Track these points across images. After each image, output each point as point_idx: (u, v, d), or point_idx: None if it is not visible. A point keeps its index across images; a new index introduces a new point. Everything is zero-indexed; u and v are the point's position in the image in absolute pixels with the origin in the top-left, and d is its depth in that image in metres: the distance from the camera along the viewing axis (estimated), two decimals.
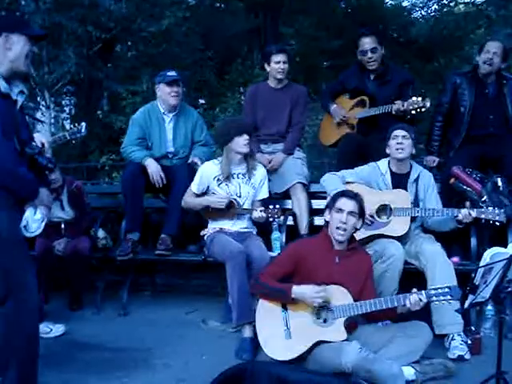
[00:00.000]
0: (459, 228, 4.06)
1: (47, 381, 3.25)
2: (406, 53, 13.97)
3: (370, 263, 3.72)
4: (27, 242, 2.98)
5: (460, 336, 3.76)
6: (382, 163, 4.33)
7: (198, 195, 4.47)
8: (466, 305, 2.99)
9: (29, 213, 2.88)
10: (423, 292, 3.34)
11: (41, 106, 9.12)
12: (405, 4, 17.01)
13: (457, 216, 3.96)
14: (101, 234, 5.09)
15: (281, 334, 3.46)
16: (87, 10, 8.19)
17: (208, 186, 4.44)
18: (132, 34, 9.60)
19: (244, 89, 11.18)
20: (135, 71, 10.25)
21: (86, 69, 8.98)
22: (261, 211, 4.27)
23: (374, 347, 3.35)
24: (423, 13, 16.30)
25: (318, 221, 4.84)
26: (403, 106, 4.62)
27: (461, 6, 14.95)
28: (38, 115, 8.68)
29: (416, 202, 4.19)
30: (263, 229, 4.55)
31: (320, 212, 4.82)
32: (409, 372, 3.34)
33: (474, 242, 4.36)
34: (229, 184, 4.40)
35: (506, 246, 3.89)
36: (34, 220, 2.89)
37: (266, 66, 5.05)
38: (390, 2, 16.98)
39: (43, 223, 2.94)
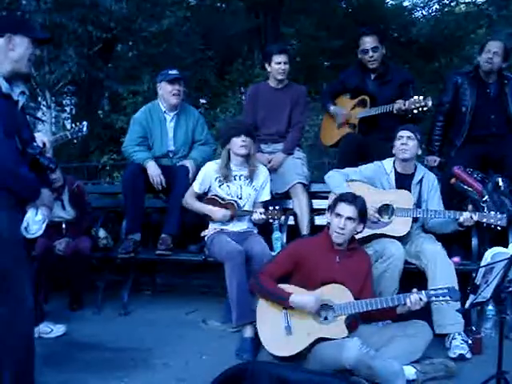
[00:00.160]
0: (460, 230, 4.06)
1: (47, 380, 3.25)
2: (407, 52, 13.96)
3: (370, 263, 3.73)
4: (29, 241, 2.97)
5: (461, 335, 3.75)
6: (387, 163, 4.32)
7: (199, 194, 4.46)
8: (467, 305, 2.99)
9: (30, 214, 2.87)
10: (423, 292, 3.36)
11: (42, 106, 9.13)
12: (405, 4, 17.03)
13: (458, 219, 3.96)
14: (102, 233, 5.09)
15: (281, 330, 3.47)
16: (88, 10, 8.19)
17: (210, 186, 4.44)
18: (132, 34, 9.60)
19: (244, 89, 11.17)
20: (136, 71, 10.25)
21: (86, 69, 8.98)
22: (260, 213, 4.27)
23: (375, 347, 3.35)
24: (424, 12, 16.30)
25: (319, 220, 4.84)
26: (404, 105, 4.61)
27: (462, 5, 14.95)
28: (39, 115, 8.69)
29: (419, 204, 4.18)
30: (264, 229, 4.55)
31: (321, 212, 4.83)
32: (409, 371, 3.34)
33: (474, 241, 4.35)
34: (230, 185, 4.40)
35: (506, 246, 3.90)
36: (34, 221, 2.88)
37: (266, 66, 5.05)
38: (391, 1, 17.00)
39: (44, 224, 2.93)
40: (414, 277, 4.05)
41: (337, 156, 5.25)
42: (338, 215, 3.57)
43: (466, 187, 4.38)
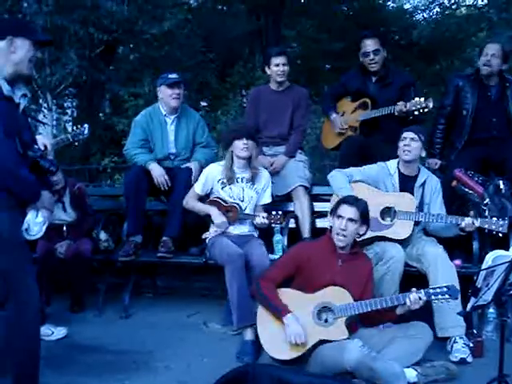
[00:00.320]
0: (461, 235, 4.06)
1: (49, 382, 3.25)
2: (408, 55, 13.97)
3: (371, 268, 3.73)
4: (29, 243, 2.97)
5: (462, 339, 3.75)
6: (392, 164, 4.32)
7: (201, 196, 4.47)
8: (468, 308, 3.00)
9: (30, 216, 2.88)
10: (422, 291, 3.37)
11: (43, 108, 9.14)
12: (406, 7, 17.05)
13: (460, 224, 3.95)
14: (103, 236, 5.09)
15: (282, 333, 3.47)
16: (89, 12, 8.20)
17: (212, 188, 4.45)
18: (134, 36, 9.62)
19: (246, 91, 11.19)
20: (137, 73, 10.27)
21: (88, 71, 8.99)
22: (263, 217, 4.27)
23: (375, 348, 3.35)
24: (425, 15, 16.29)
25: (321, 223, 4.84)
26: (405, 106, 4.61)
27: (462, 8, 14.95)
28: (40, 117, 8.70)
29: (421, 206, 4.19)
30: (265, 231, 4.55)
31: (322, 215, 4.83)
32: (410, 374, 3.34)
33: (476, 245, 4.35)
34: (232, 187, 4.40)
35: (508, 249, 3.90)
36: (35, 223, 2.89)
37: (266, 69, 5.06)
38: (392, 4, 16.99)
39: (45, 226, 2.93)
40: (415, 280, 4.04)
41: (338, 158, 5.25)
42: (340, 217, 3.57)
43: (467, 190, 4.38)
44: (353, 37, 8.60)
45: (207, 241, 4.41)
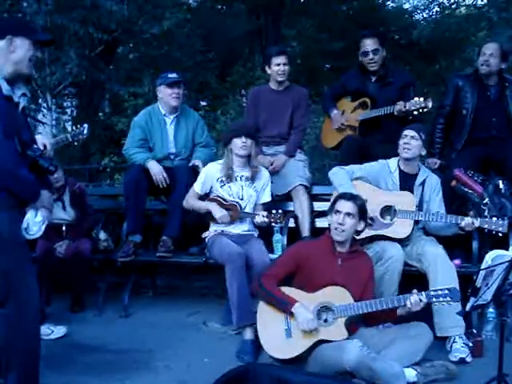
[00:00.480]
0: (460, 233, 4.06)
1: (48, 382, 3.25)
2: (408, 55, 13.97)
3: (372, 266, 3.72)
4: (28, 243, 2.97)
5: (461, 338, 3.75)
6: (392, 161, 4.33)
7: (200, 195, 4.47)
8: (468, 307, 2.99)
9: (30, 215, 2.88)
10: (423, 293, 3.37)
11: (42, 108, 9.13)
12: (406, 6, 17.04)
13: (460, 223, 3.96)
14: (102, 235, 5.09)
15: (282, 332, 3.48)
16: (89, 12, 8.20)
17: (211, 187, 4.45)
18: (133, 36, 9.62)
19: (245, 91, 11.18)
20: (137, 73, 10.27)
21: (87, 70, 8.99)
22: (263, 216, 4.27)
23: (375, 349, 3.34)
24: (425, 15, 16.29)
25: (320, 223, 4.84)
26: (405, 106, 4.62)
27: (462, 8, 14.95)
28: (40, 117, 8.70)
29: (420, 205, 4.19)
30: (265, 231, 4.55)
31: (322, 214, 4.83)
32: (410, 374, 3.33)
33: (475, 244, 4.34)
34: (232, 186, 4.40)
35: (507, 249, 3.90)
36: (34, 222, 2.89)
37: (266, 68, 5.06)
38: (392, 4, 17.00)
39: (44, 226, 2.93)
40: (415, 279, 4.05)
41: (338, 158, 5.25)
42: (337, 212, 3.58)
43: (466, 190, 4.38)
44: (353, 36, 8.60)
45: (207, 240, 4.41)
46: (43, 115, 9.00)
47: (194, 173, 4.74)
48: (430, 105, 4.53)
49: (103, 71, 9.37)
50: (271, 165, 4.88)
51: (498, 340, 3.07)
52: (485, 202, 4.30)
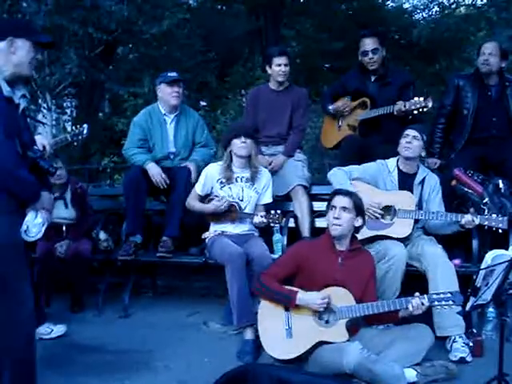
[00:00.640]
0: (461, 231, 4.06)
1: (48, 383, 3.25)
2: (407, 55, 13.95)
3: (373, 265, 3.71)
4: (28, 244, 2.97)
5: (461, 338, 3.75)
6: (391, 161, 4.33)
7: (202, 197, 4.47)
8: (468, 307, 2.99)
9: (30, 217, 2.88)
10: (425, 296, 3.35)
11: (42, 109, 9.13)
12: (406, 6, 17.02)
13: (460, 221, 3.96)
14: (102, 236, 5.10)
15: (282, 333, 3.48)
16: (88, 12, 8.20)
17: (212, 188, 4.45)
18: (133, 36, 9.62)
19: (245, 91, 11.18)
20: (136, 73, 10.27)
21: (87, 71, 8.99)
22: (261, 217, 4.27)
23: (376, 350, 3.34)
24: (424, 15, 16.27)
25: (320, 223, 4.84)
26: (405, 106, 4.61)
27: (462, 8, 14.95)
28: (40, 117, 8.69)
29: (420, 204, 4.19)
30: (265, 231, 4.55)
31: (321, 214, 4.82)
32: (410, 374, 3.33)
33: (475, 244, 4.34)
34: (232, 187, 4.40)
35: (507, 249, 3.90)
36: (34, 224, 2.88)
37: (267, 68, 5.06)
38: (391, 4, 16.99)
39: (44, 227, 2.93)
40: (415, 279, 4.04)
41: (338, 158, 5.25)
42: (333, 207, 3.58)
43: (466, 189, 4.38)
44: (352, 36, 8.60)
45: (207, 240, 4.41)
46: (43, 115, 8.99)
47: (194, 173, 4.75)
48: (430, 104, 4.53)
49: (103, 71, 9.37)
50: (270, 165, 4.88)
51: (498, 340, 3.07)
52: (485, 201, 4.30)
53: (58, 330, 4.26)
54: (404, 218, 4.09)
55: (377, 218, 4.11)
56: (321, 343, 3.37)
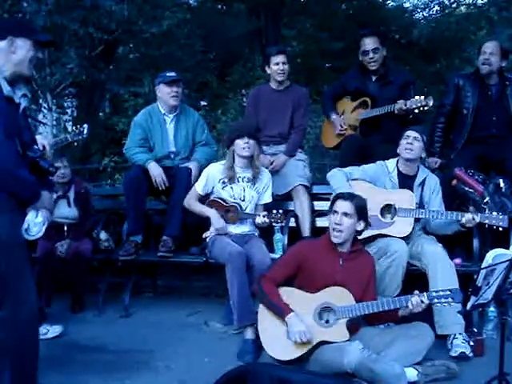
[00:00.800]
0: (461, 231, 4.06)
1: (48, 382, 3.25)
2: (408, 54, 13.95)
3: (373, 265, 3.71)
4: (29, 243, 2.97)
5: (462, 335, 3.75)
6: (391, 162, 4.34)
7: (202, 196, 4.47)
8: (469, 306, 3.00)
9: (30, 216, 2.88)
10: (425, 294, 3.35)
11: (43, 108, 9.12)
12: (406, 5, 17.02)
13: (460, 220, 3.96)
14: (103, 236, 5.10)
15: (283, 334, 3.47)
16: (89, 12, 8.19)
17: (213, 188, 4.45)
18: (133, 36, 9.61)
19: (245, 91, 11.18)
20: (137, 73, 10.27)
21: (87, 70, 8.99)
22: (264, 217, 4.26)
23: (376, 349, 3.34)
24: (425, 14, 16.28)
25: (320, 222, 4.84)
26: (405, 105, 4.61)
27: (462, 7, 14.95)
28: (40, 117, 8.69)
29: (421, 205, 4.19)
30: (265, 231, 4.55)
31: (322, 214, 4.83)
32: (411, 373, 3.33)
33: (476, 243, 4.35)
34: (233, 187, 4.40)
35: (508, 248, 3.90)
36: (35, 223, 2.89)
37: (266, 68, 5.07)
38: (392, 3, 16.98)
39: (44, 226, 2.93)
40: (415, 278, 4.05)
41: (338, 158, 5.25)
42: (335, 212, 3.57)
43: (467, 189, 4.38)
44: (353, 36, 8.60)
45: (207, 240, 4.41)
46: (43, 115, 8.98)
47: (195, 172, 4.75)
48: (430, 103, 4.53)
49: (103, 71, 9.36)
50: (271, 164, 4.88)
51: (499, 339, 3.06)
52: (485, 200, 4.29)
53: (54, 330, 4.26)
54: (404, 216, 4.09)
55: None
56: (321, 343, 3.37)
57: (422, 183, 4.26)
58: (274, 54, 4.97)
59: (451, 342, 3.75)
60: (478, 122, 4.88)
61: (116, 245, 5.13)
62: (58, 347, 4.03)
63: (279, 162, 4.94)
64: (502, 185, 4.37)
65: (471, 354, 3.69)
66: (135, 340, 4.20)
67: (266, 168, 4.69)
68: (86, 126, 4.91)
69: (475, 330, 3.94)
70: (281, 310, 3.47)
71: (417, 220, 4.14)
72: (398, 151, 4.26)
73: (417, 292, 3.37)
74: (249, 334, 3.90)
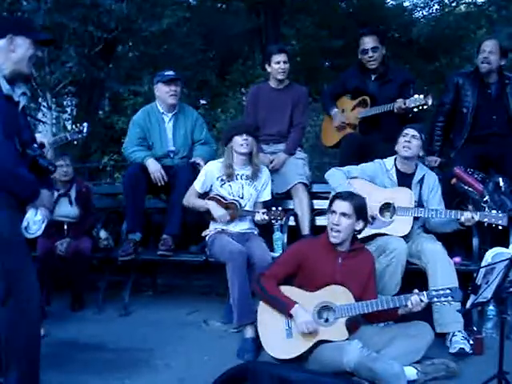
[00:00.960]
0: (461, 229, 4.06)
1: (48, 381, 3.25)
2: (407, 53, 13.95)
3: (373, 264, 3.70)
4: (29, 242, 2.97)
5: (461, 333, 3.75)
6: (388, 161, 4.34)
7: (201, 194, 4.47)
8: (468, 305, 3.00)
9: (30, 214, 2.88)
10: (424, 293, 3.35)
11: (42, 107, 9.12)
12: (406, 4, 17.01)
13: (459, 219, 3.96)
14: (103, 234, 5.11)
15: (282, 333, 3.47)
16: (88, 10, 8.19)
17: (211, 185, 4.45)
18: (133, 34, 9.60)
19: (245, 89, 11.18)
20: (136, 71, 10.26)
21: (87, 69, 8.98)
22: (263, 213, 4.27)
23: (376, 347, 3.35)
24: (424, 13, 16.27)
25: (320, 221, 4.84)
26: (405, 103, 4.61)
27: (462, 6, 14.94)
28: (40, 116, 8.69)
29: (420, 203, 4.19)
30: (265, 229, 4.55)
31: (322, 212, 4.83)
32: (410, 372, 3.33)
33: (475, 242, 4.35)
34: (232, 184, 4.40)
35: (507, 247, 3.90)
36: (34, 221, 2.89)
37: (267, 66, 5.07)
38: (391, 2, 16.97)
39: (44, 225, 2.94)
40: (415, 276, 4.05)
41: (338, 156, 5.25)
42: (333, 212, 3.56)
43: (466, 187, 4.38)
44: (352, 34, 8.60)
45: (207, 238, 4.41)
46: (43, 114, 8.97)
47: (194, 171, 4.74)
48: (430, 102, 4.53)
49: (103, 70, 9.36)
50: (271, 163, 4.88)
51: (499, 338, 3.07)
52: (485, 199, 4.30)
53: None
54: (403, 215, 4.09)
55: (370, 223, 4.10)
56: (321, 342, 3.37)
57: (421, 181, 4.26)
58: (275, 52, 4.96)
59: (450, 340, 3.75)
60: (477, 120, 4.87)
61: (115, 243, 5.14)
62: (58, 345, 4.02)
63: (279, 161, 4.93)
64: (501, 183, 4.37)
65: (470, 351, 3.69)
66: (135, 338, 4.20)
67: (266, 167, 4.68)
68: (85, 124, 4.92)
69: (475, 329, 3.94)
70: (284, 304, 3.47)
71: (416, 218, 4.14)
72: (395, 149, 4.26)
73: (416, 291, 3.36)
74: (249, 332, 3.90)
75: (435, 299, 3.34)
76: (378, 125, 4.96)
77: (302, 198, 4.82)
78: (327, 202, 4.22)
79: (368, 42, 4.98)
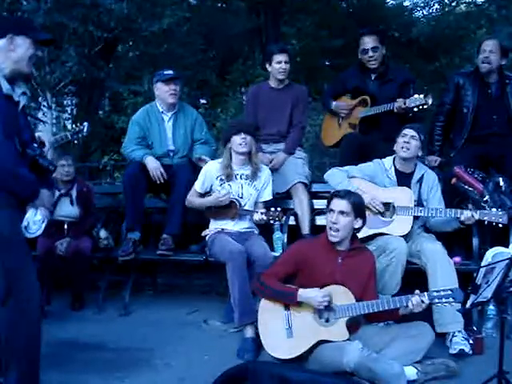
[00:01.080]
0: (461, 228, 4.06)
1: (48, 380, 3.25)
2: (408, 53, 13.93)
3: (373, 263, 3.70)
4: (29, 242, 2.97)
5: (461, 333, 3.75)
6: (387, 160, 4.34)
7: (201, 194, 4.47)
8: (468, 305, 2.99)
9: (30, 214, 2.89)
10: (425, 294, 3.34)
11: (42, 107, 9.12)
12: (406, 4, 17.00)
13: (459, 217, 3.96)
14: (103, 234, 5.11)
15: (282, 332, 3.47)
16: (88, 10, 8.18)
17: (211, 185, 4.45)
18: (133, 34, 9.60)
19: (245, 89, 11.17)
20: (137, 71, 10.26)
21: (87, 69, 8.98)
22: (261, 213, 4.27)
23: (376, 347, 3.35)
24: (424, 12, 16.25)
25: (320, 221, 4.84)
26: (405, 103, 4.61)
27: (462, 5, 14.93)
28: (40, 115, 8.68)
29: (419, 203, 4.19)
30: (265, 229, 4.55)
31: (322, 212, 4.82)
32: (410, 372, 3.33)
33: (475, 241, 4.35)
34: (231, 184, 4.40)
35: (507, 246, 3.90)
36: (34, 221, 2.89)
37: (267, 66, 5.06)
38: (392, 1, 16.97)
39: (44, 224, 2.94)
40: (415, 276, 4.05)
41: (338, 156, 5.25)
42: (331, 210, 3.55)
43: (466, 187, 4.38)
44: (353, 34, 8.59)
45: (207, 238, 4.41)
46: (43, 114, 8.97)
47: (194, 170, 4.74)
48: (430, 102, 4.53)
49: (103, 69, 9.35)
50: (270, 162, 4.88)
51: (499, 337, 3.07)
52: (485, 199, 4.29)
53: None
54: (403, 214, 4.10)
55: (379, 212, 4.12)
56: (321, 342, 3.37)
57: (420, 180, 4.26)
58: (276, 52, 4.95)
59: (450, 340, 3.75)
60: (478, 120, 4.87)
61: (116, 243, 5.14)
62: (58, 345, 4.02)
63: (279, 161, 4.94)
64: (501, 183, 4.37)
65: (470, 352, 3.69)
66: (135, 338, 4.20)
67: (266, 166, 4.68)
68: (85, 124, 4.92)
69: (475, 329, 3.94)
70: (288, 293, 3.47)
71: (416, 218, 4.14)
72: (394, 149, 4.26)
73: (417, 292, 3.36)
74: (249, 332, 3.90)
75: (436, 300, 3.33)
76: (378, 124, 4.96)
77: (301, 198, 4.82)
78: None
79: (368, 41, 4.98)
